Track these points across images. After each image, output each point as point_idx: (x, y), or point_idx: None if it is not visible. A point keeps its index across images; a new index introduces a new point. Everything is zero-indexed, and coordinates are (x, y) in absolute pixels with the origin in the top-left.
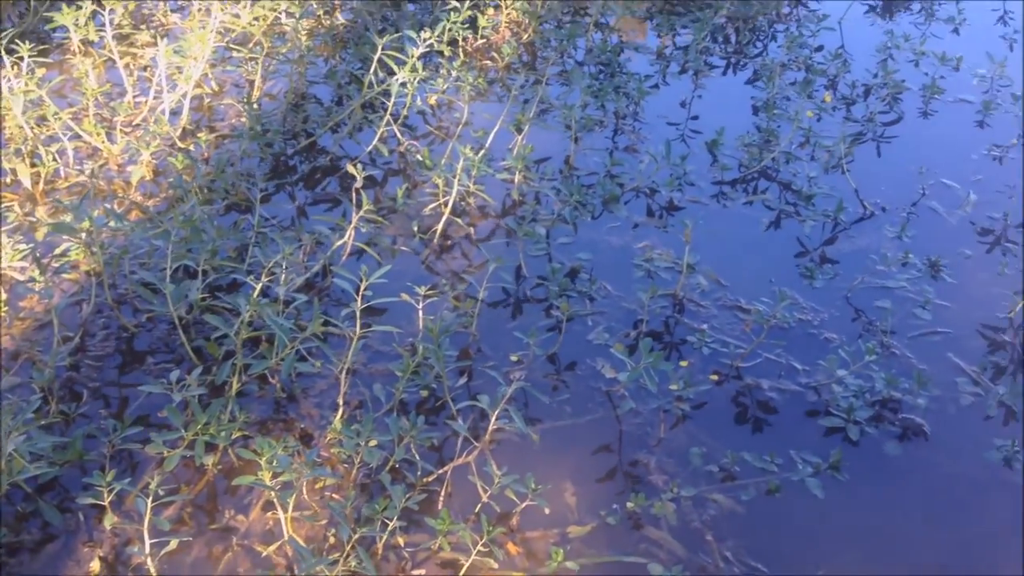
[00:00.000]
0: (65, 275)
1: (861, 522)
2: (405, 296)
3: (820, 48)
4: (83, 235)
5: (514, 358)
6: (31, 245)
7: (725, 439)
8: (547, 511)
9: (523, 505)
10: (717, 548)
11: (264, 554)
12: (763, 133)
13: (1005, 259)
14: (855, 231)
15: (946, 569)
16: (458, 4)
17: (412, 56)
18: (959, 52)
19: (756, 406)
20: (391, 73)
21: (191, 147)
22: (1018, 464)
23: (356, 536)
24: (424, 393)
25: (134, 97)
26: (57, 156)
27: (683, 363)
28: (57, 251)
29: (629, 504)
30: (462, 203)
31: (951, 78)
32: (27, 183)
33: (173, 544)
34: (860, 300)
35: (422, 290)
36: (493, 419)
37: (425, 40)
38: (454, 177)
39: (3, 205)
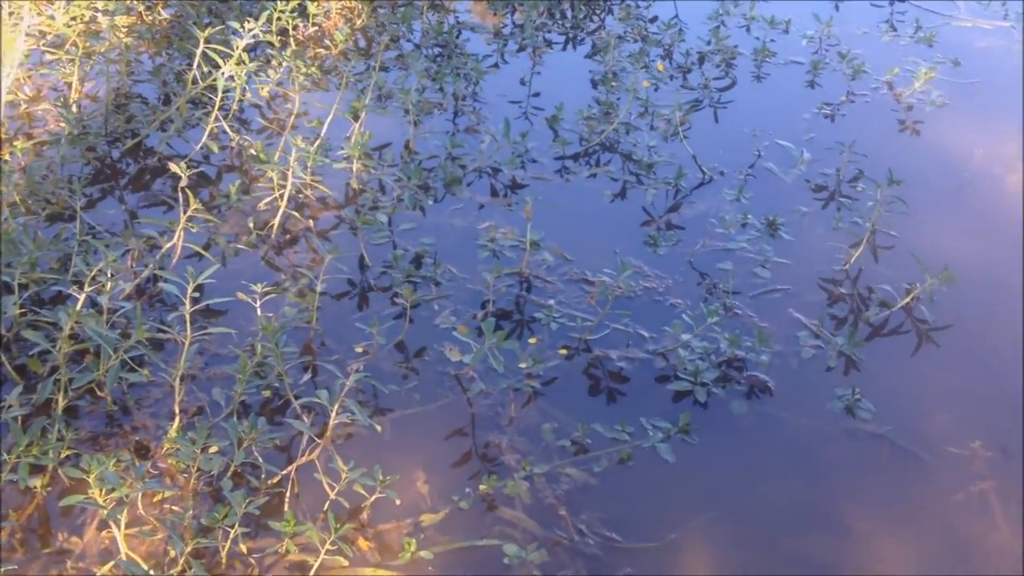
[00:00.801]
0: None
1: (712, 482)
2: (242, 295)
3: (655, 19)
4: None
5: (359, 349)
6: None
7: (577, 413)
8: (398, 502)
9: (373, 498)
10: (571, 522)
11: (99, 575)
12: (602, 106)
13: (839, 214)
14: (696, 196)
15: (798, 520)
16: None
17: (237, 48)
18: (788, 15)
19: (606, 377)
20: (217, 67)
21: (7, 157)
22: (860, 412)
23: (189, 548)
24: (266, 393)
25: None
26: None
27: (531, 340)
28: None
29: (482, 487)
30: (300, 196)
31: (781, 41)
32: None
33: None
34: (703, 264)
35: (259, 287)
36: (333, 413)
37: (250, 30)
38: (288, 170)
39: None
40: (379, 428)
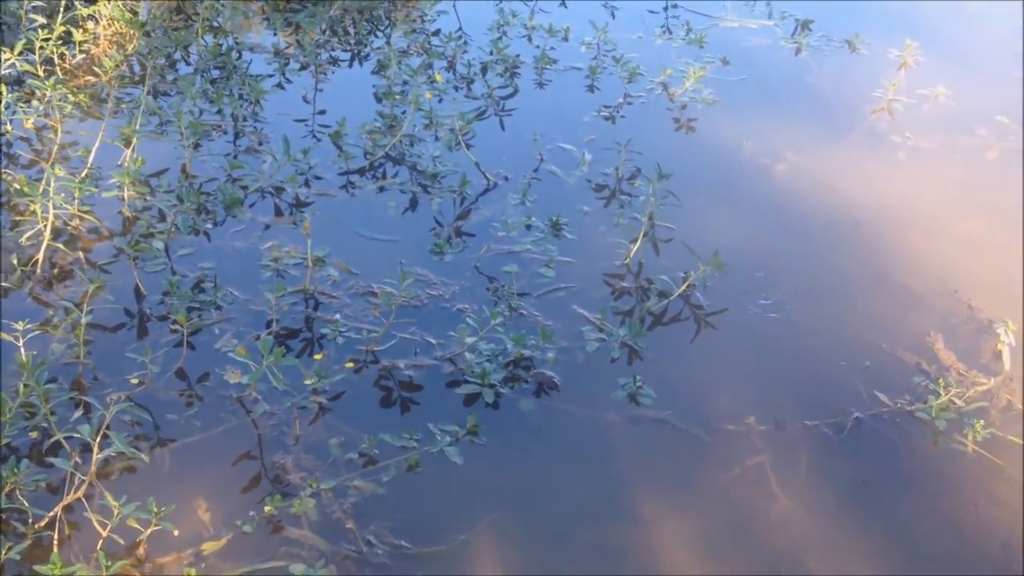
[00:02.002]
0: None
1: (501, 480)
2: (4, 335)
3: (437, 32)
4: None
5: (134, 380)
6: None
7: (366, 425)
8: (176, 533)
9: (148, 531)
10: (360, 534)
11: None
12: (386, 119)
13: (621, 210)
14: (481, 203)
15: (587, 510)
16: (45, 21)
17: None
18: (566, 23)
19: (396, 387)
20: None
21: None
22: (642, 398)
23: None
24: (34, 434)
25: None
26: None
27: (317, 357)
28: None
29: (267, 508)
30: (68, 228)
31: (561, 48)
32: None
33: None
34: (489, 268)
35: (21, 325)
36: (95, 447)
37: (7, 61)
38: (49, 202)
39: None
40: (146, 458)
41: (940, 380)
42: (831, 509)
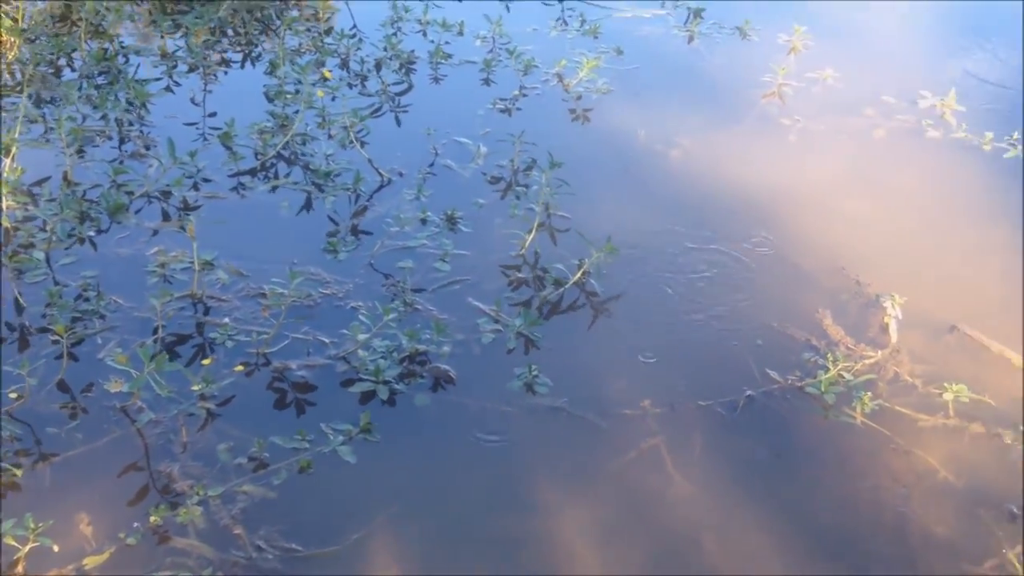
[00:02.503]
0: None
1: (396, 477)
2: None
3: (330, 30)
4: None
5: (12, 395)
6: None
7: (257, 429)
8: (56, 548)
9: (27, 549)
10: (249, 539)
11: None
12: (278, 119)
13: (516, 201)
14: (376, 200)
15: (485, 502)
16: None
17: None
18: (461, 18)
19: (290, 388)
20: None
21: None
22: (539, 388)
23: None
24: None
25: None
26: None
27: (205, 362)
28: None
29: (152, 519)
30: None
31: (456, 43)
32: None
33: None
34: (384, 264)
35: None
36: None
37: None
38: None
39: None
40: (17, 472)
41: (829, 355)
42: (726, 487)
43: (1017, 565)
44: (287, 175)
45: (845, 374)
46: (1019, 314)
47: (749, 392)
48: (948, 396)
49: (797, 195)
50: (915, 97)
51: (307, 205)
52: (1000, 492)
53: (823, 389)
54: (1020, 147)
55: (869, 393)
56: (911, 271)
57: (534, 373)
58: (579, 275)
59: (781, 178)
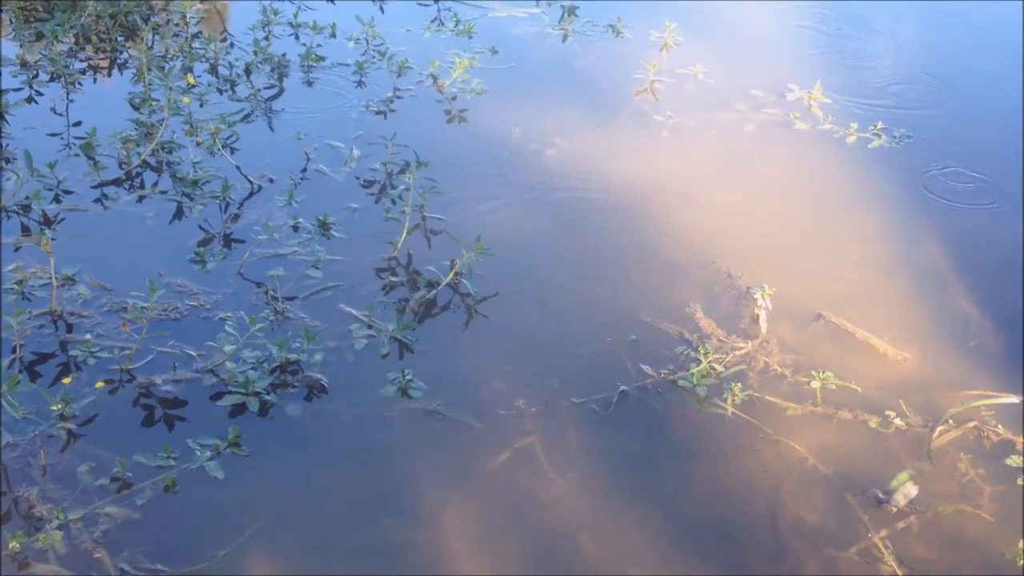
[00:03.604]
0: None
1: (267, 490)
2: None
3: (198, 34)
4: None
5: None
6: None
7: (122, 448)
8: None
9: None
10: (111, 562)
11: None
12: (143, 127)
13: (391, 205)
14: (246, 207)
15: (361, 511)
16: None
17: None
18: (333, 19)
19: (156, 404)
20: None
21: None
22: (413, 392)
23: None
24: None
25: None
26: None
27: (65, 380)
28: None
29: (11, 545)
30: None
31: (328, 45)
32: None
33: None
34: (254, 273)
35: None
36: None
37: None
38: None
39: None
40: None
41: (700, 348)
42: (601, 484)
43: (882, 549)
44: (154, 184)
45: (716, 366)
46: (883, 301)
47: (623, 388)
48: (816, 384)
49: (670, 190)
50: (783, 91)
51: (175, 215)
52: (867, 478)
53: (695, 382)
54: (883, 137)
55: (739, 384)
56: (780, 262)
57: (408, 377)
58: (451, 276)
59: (654, 173)
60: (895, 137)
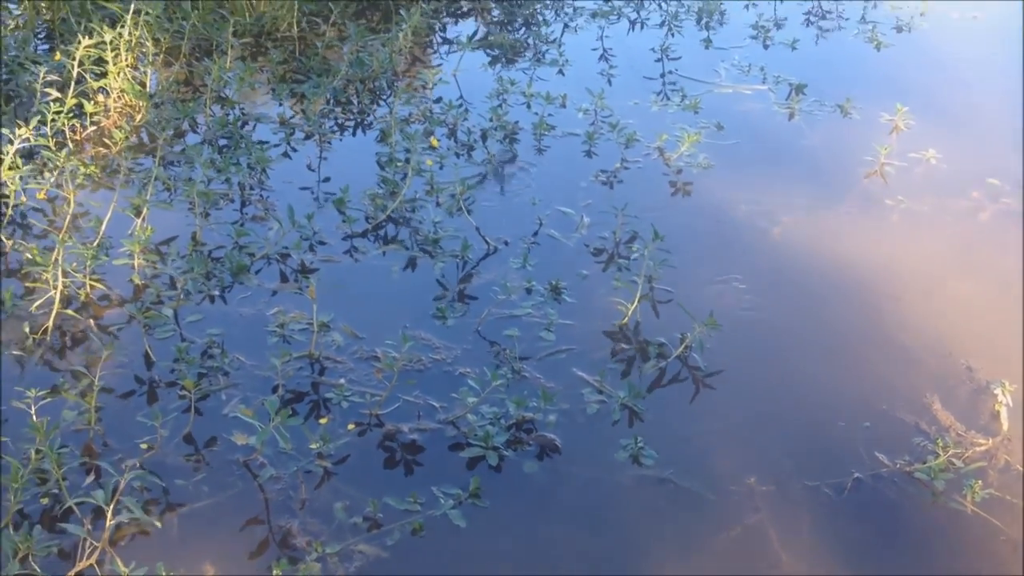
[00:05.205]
0: None
1: (505, 543)
2: (16, 402)
3: (439, 100)
4: None
5: (144, 446)
6: None
7: (371, 489)
8: None
9: None
10: None
11: None
12: (388, 185)
13: (619, 273)
14: (482, 267)
15: (592, 567)
16: (58, 94)
17: (8, 153)
18: (563, 91)
19: (400, 450)
20: None
21: None
22: (644, 459)
23: None
24: (45, 500)
25: None
26: None
27: (322, 420)
28: None
29: (274, 572)
30: (79, 295)
31: (559, 115)
32: None
33: None
34: (490, 332)
35: (33, 392)
36: (109, 514)
37: (20, 136)
38: (59, 271)
39: None
40: (158, 523)
41: (939, 441)
42: (832, 570)
43: None
44: (395, 239)
45: (955, 461)
46: None
47: (857, 474)
48: None
49: (902, 276)
50: (1020, 179)
51: (415, 269)
52: None
53: (932, 475)
54: None
55: (979, 481)
56: (1018, 357)
57: (639, 445)
58: (682, 348)
59: (885, 258)
60: None
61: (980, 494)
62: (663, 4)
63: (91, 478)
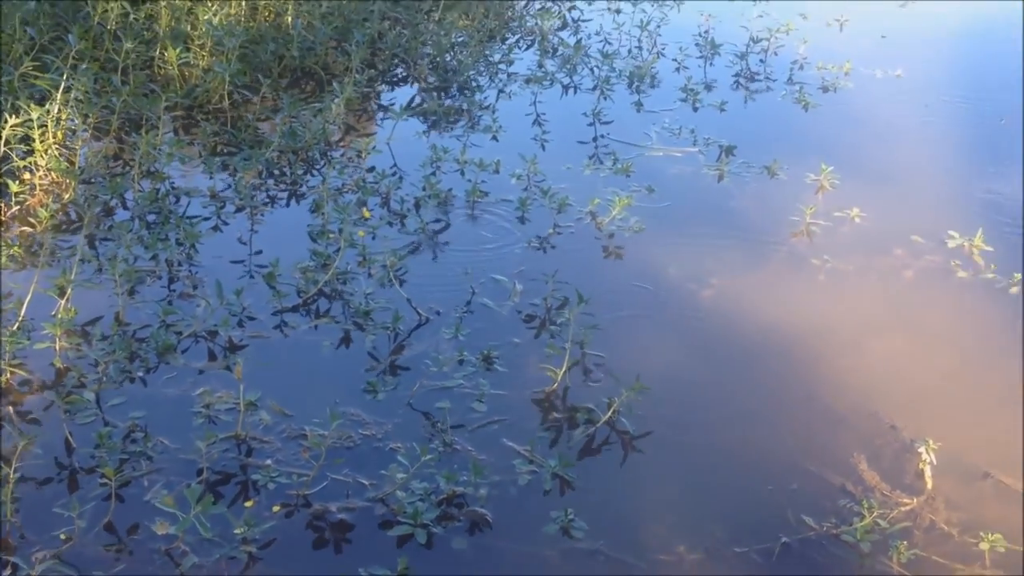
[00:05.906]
0: None
1: None
2: None
3: (372, 169)
4: None
5: (62, 536)
6: None
7: (297, 572)
8: None
9: None
10: None
11: None
12: (320, 257)
13: (550, 340)
14: (414, 338)
15: None
16: None
17: None
18: (498, 156)
19: (328, 530)
20: None
21: None
22: (574, 531)
23: None
24: None
25: None
26: None
27: (247, 504)
28: None
29: None
30: None
31: (492, 181)
32: None
33: None
34: (422, 404)
35: None
36: None
37: None
38: None
39: None
40: None
41: (863, 502)
42: None
43: None
44: (326, 313)
45: (880, 521)
46: None
47: (785, 539)
48: (984, 546)
49: (829, 335)
50: (943, 237)
51: (347, 343)
52: None
53: (859, 537)
54: None
55: (905, 542)
56: (942, 414)
57: (570, 516)
58: (610, 414)
59: (812, 318)
60: None
61: (906, 554)
62: (595, 69)
63: (7, 572)
